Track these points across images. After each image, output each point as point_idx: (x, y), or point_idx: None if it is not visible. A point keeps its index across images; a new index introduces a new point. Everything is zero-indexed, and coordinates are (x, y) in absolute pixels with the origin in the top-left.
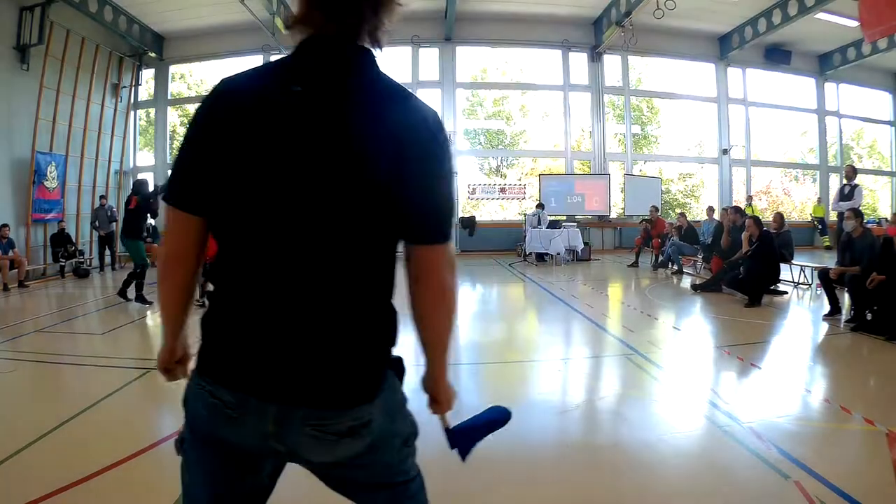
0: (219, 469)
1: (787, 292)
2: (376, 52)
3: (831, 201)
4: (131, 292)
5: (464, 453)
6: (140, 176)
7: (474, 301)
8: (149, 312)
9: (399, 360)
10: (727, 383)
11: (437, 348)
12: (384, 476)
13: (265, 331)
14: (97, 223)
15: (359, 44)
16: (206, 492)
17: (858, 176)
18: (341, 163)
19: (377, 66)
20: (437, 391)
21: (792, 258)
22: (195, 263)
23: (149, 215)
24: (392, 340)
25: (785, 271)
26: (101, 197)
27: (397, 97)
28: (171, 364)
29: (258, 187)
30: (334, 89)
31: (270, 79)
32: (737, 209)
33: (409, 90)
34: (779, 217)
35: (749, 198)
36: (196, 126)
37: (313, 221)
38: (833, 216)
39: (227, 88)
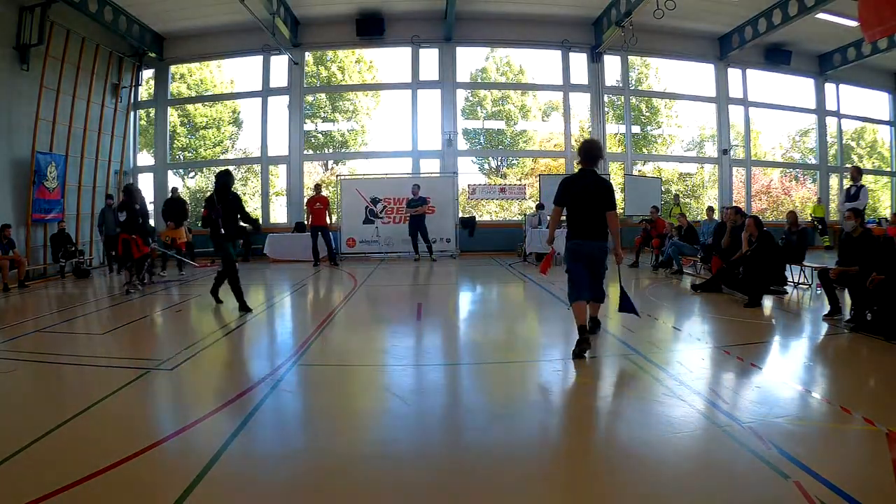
0: (582, 263)
1: (787, 292)
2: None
3: (837, 203)
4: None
5: (634, 310)
6: (139, 176)
7: (475, 301)
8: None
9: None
10: (727, 383)
11: (615, 238)
12: (601, 263)
13: (582, 230)
14: (104, 226)
15: (594, 168)
16: (582, 272)
17: (862, 177)
18: (593, 194)
19: (597, 172)
20: (616, 251)
21: (800, 260)
22: (559, 220)
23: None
24: (607, 235)
25: (784, 271)
26: (108, 197)
27: (601, 179)
28: (551, 240)
29: (575, 201)
30: (589, 179)
31: (576, 176)
32: (737, 209)
33: (604, 175)
34: (793, 216)
35: (675, 196)
36: (561, 184)
37: (589, 208)
38: (833, 216)
39: (565, 177)
